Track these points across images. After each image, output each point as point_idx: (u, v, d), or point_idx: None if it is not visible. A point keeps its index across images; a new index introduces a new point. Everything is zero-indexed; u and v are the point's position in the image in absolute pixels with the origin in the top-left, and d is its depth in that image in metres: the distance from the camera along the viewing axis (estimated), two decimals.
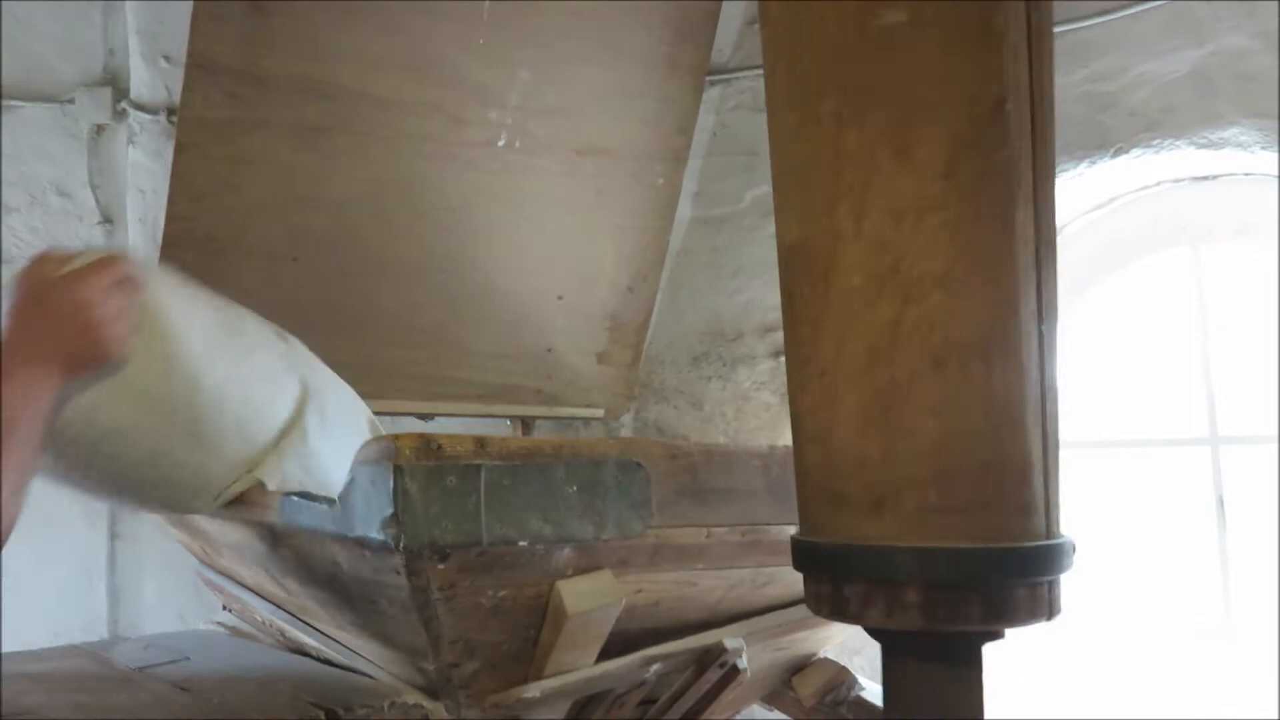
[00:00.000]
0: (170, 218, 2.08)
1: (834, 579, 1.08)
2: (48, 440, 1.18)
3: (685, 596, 1.62)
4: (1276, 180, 2.24)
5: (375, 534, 1.25)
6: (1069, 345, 2.15)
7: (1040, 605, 1.07)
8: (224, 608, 2.18)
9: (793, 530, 1.16)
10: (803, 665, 2.05)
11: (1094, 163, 2.36)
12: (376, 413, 1.84)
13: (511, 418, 2.62)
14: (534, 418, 2.64)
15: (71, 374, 1.20)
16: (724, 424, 2.77)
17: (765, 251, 2.71)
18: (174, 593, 2.74)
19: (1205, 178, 2.40)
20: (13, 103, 2.67)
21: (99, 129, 2.73)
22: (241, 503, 1.50)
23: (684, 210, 2.76)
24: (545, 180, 2.38)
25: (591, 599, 1.40)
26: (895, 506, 1.03)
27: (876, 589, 1.03)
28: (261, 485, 1.48)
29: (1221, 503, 2.49)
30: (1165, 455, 2.62)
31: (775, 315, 2.69)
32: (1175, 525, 2.57)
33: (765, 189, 2.73)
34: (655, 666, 1.58)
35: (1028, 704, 2.48)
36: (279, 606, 1.88)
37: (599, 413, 2.70)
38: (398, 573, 1.28)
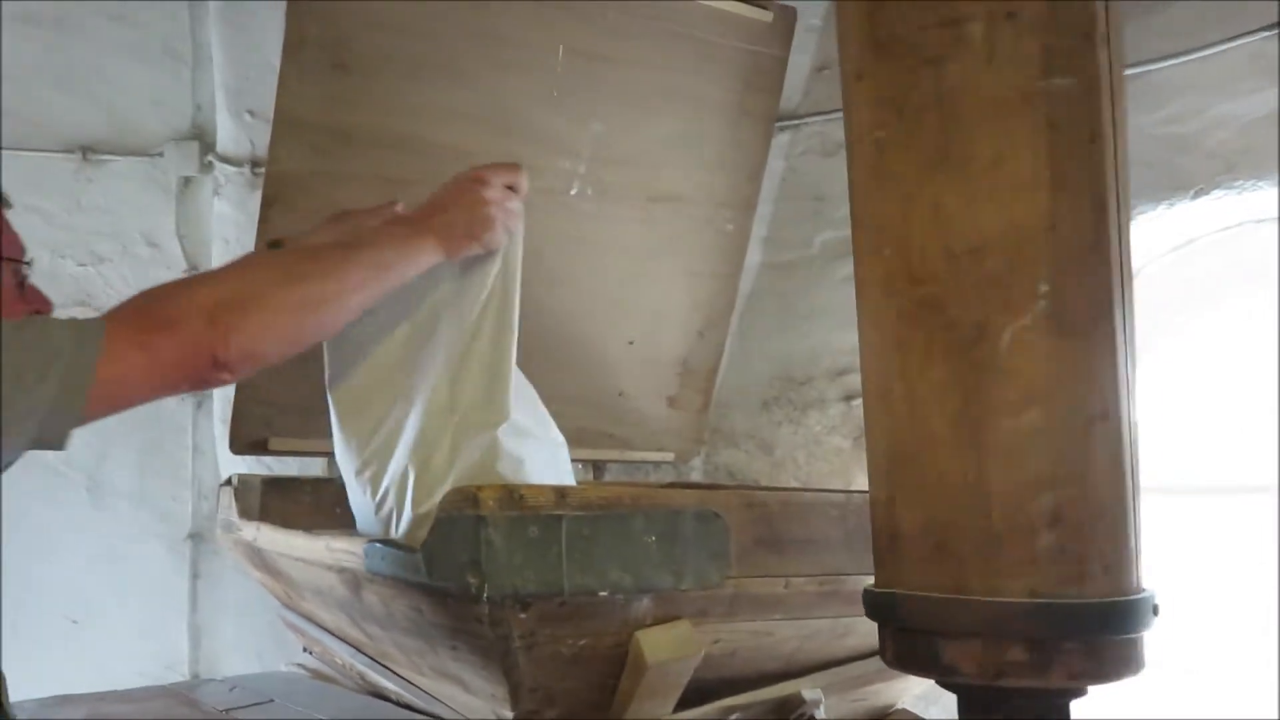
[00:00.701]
0: None
1: (920, 632, 1.07)
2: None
3: (762, 646, 1.61)
4: None
5: (459, 583, 1.27)
6: (1147, 391, 2.11)
7: (1133, 659, 1.06)
8: (305, 650, 2.21)
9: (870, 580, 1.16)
10: (881, 717, 2.03)
11: (1173, 204, 2.33)
12: None
13: (583, 461, 2.64)
14: (605, 461, 2.65)
15: (446, 243, 1.35)
16: (795, 468, 2.76)
17: (834, 295, 2.71)
18: (252, 634, 2.79)
19: None
20: (105, 157, 2.79)
21: (186, 181, 2.83)
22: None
23: (754, 255, 2.77)
24: (617, 227, 2.40)
25: (670, 649, 1.40)
26: (995, 558, 1.03)
27: (969, 643, 1.02)
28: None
29: None
30: (1231, 502, 2.54)
31: (845, 359, 2.69)
32: (1238, 573, 2.49)
33: (833, 233, 2.74)
34: (734, 717, 1.57)
35: None
36: (359, 650, 1.91)
37: (669, 456, 2.71)
38: (480, 621, 1.30)
